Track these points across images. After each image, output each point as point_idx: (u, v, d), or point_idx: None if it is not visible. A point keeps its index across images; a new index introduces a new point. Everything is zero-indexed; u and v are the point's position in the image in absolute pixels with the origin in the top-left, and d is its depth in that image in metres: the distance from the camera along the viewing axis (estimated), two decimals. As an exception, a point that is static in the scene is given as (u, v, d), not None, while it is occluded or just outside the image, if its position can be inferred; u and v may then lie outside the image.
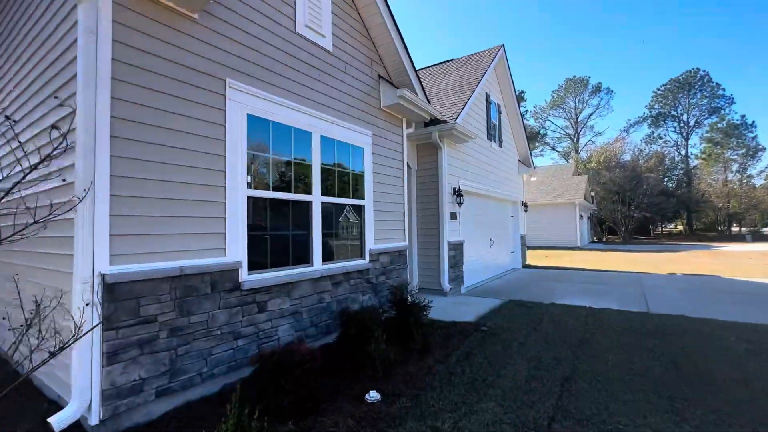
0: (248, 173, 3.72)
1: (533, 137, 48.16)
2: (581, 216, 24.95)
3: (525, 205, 13.44)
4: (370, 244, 5.41)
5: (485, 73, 9.45)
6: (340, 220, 4.99)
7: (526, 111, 48.15)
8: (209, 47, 3.42)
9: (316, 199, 4.50)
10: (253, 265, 3.75)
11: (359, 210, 5.29)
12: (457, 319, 5.82)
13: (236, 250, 3.55)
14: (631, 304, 6.92)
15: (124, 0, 2.83)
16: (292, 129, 4.24)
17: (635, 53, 67.05)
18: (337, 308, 4.74)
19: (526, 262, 13.89)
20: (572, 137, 51.81)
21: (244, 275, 3.60)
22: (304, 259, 4.38)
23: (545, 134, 51.84)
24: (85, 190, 2.54)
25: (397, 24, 5.59)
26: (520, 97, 45.60)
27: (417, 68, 12.97)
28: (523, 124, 12.90)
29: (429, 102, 6.54)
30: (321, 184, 4.59)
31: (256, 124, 3.82)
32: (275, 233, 4.06)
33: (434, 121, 7.65)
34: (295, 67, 4.30)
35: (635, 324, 5.50)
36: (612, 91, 49.70)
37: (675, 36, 68.10)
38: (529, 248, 21.49)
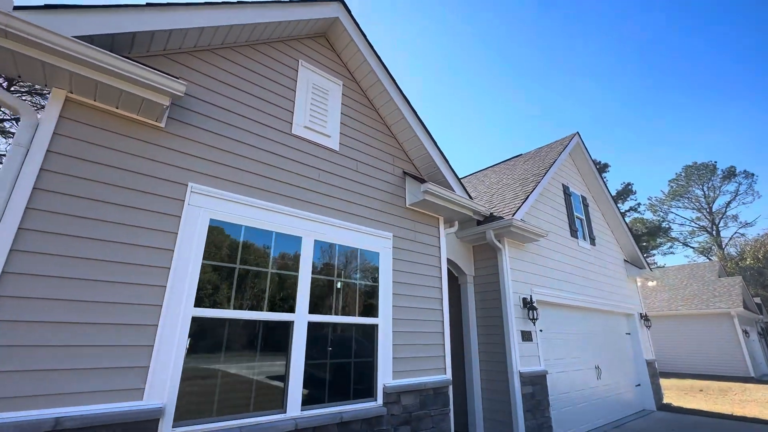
0: (200, 288, 3.08)
1: (653, 232, 41.26)
2: (745, 332, 18.40)
3: (645, 318, 10.24)
4: (386, 378, 4.06)
5: (555, 162, 8.24)
6: (337, 344, 3.90)
7: (638, 204, 42.37)
8: (173, 153, 3.21)
9: (301, 318, 3.59)
10: (188, 412, 2.82)
11: (370, 331, 4.15)
12: None
13: (161, 390, 2.71)
14: None
15: (75, 113, 2.81)
16: (274, 234, 3.64)
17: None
18: (323, 479, 3.33)
19: (663, 401, 9.93)
20: (709, 230, 42.89)
21: (166, 428, 2.67)
22: (275, 402, 3.29)
23: (668, 228, 44.08)
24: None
25: (421, 118, 5.12)
26: (627, 190, 40.92)
27: (483, 167, 12.37)
28: (623, 217, 10.66)
29: (471, 197, 5.56)
30: (310, 299, 3.72)
31: (222, 229, 3.32)
32: (232, 364, 3.16)
33: (490, 219, 6.51)
34: (285, 168, 3.92)
35: None
36: (753, 174, 41.35)
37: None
38: (668, 375, 16.05)
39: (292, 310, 3.56)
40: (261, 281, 3.46)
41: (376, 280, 4.35)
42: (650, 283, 10.81)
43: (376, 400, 3.93)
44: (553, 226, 7.90)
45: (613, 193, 40.19)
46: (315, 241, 3.91)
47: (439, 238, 5.30)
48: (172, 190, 3.12)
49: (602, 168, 39.80)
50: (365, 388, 3.94)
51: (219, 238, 3.30)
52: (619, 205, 40.22)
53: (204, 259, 3.15)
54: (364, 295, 4.21)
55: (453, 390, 6.62)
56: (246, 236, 3.46)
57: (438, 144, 5.25)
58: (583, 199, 9.63)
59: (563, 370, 7.03)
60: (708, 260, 34.65)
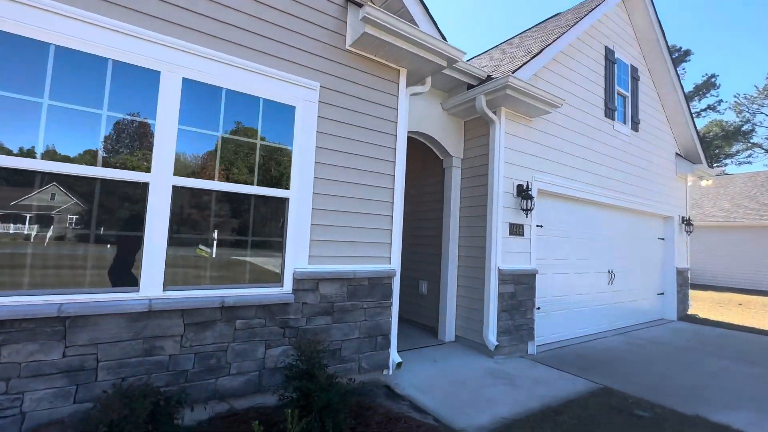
0: (-19, 126, 2.22)
1: (731, 136, 35.39)
2: (817, 247, 15.93)
3: (688, 222, 8.65)
4: (299, 262, 3.29)
5: (595, 8, 6.04)
6: (229, 219, 3.09)
7: (719, 101, 35.51)
8: None
9: (161, 179, 2.71)
10: (-21, 282, 2.21)
11: (279, 206, 3.27)
12: (458, 423, 3.09)
13: (-76, 253, 2.06)
14: None
15: None
16: (110, 62, 2.58)
17: None
18: (199, 366, 2.81)
19: (689, 312, 8.90)
20: (804, 134, 35.90)
21: (-63, 298, 2.08)
22: (125, 280, 2.63)
23: (751, 131, 37.41)
24: None
25: None
26: (709, 83, 34.13)
27: (512, 36, 9.90)
28: (686, 98, 8.33)
29: (445, 38, 4.00)
30: (183, 158, 2.80)
31: (21, 49, 2.31)
32: (51, 230, 2.45)
33: (487, 81, 4.95)
34: (127, -35, 2.67)
35: None
36: None
37: None
38: (707, 288, 14.72)
39: (146, 168, 2.68)
40: (89, 126, 2.53)
41: (289, 142, 3.31)
42: (703, 182, 8.89)
43: (282, 286, 3.22)
44: (578, 99, 6.13)
45: (691, 88, 33.81)
46: (184, 79, 2.82)
47: (397, 97, 3.99)
48: None
49: (682, 56, 32.97)
50: (269, 272, 3.22)
51: (14, 60, 2.31)
52: (695, 102, 34.19)
53: (-14, 86, 2.23)
54: (270, 160, 3.22)
55: (428, 287, 5.99)
56: (60, 61, 2.43)
57: (397, -47, 3.59)
58: (633, 70, 7.43)
59: (563, 271, 6.05)
60: (792, 169, 29.52)
